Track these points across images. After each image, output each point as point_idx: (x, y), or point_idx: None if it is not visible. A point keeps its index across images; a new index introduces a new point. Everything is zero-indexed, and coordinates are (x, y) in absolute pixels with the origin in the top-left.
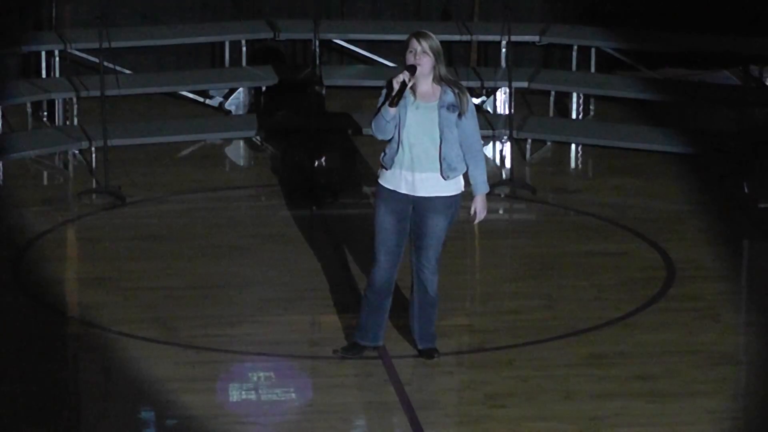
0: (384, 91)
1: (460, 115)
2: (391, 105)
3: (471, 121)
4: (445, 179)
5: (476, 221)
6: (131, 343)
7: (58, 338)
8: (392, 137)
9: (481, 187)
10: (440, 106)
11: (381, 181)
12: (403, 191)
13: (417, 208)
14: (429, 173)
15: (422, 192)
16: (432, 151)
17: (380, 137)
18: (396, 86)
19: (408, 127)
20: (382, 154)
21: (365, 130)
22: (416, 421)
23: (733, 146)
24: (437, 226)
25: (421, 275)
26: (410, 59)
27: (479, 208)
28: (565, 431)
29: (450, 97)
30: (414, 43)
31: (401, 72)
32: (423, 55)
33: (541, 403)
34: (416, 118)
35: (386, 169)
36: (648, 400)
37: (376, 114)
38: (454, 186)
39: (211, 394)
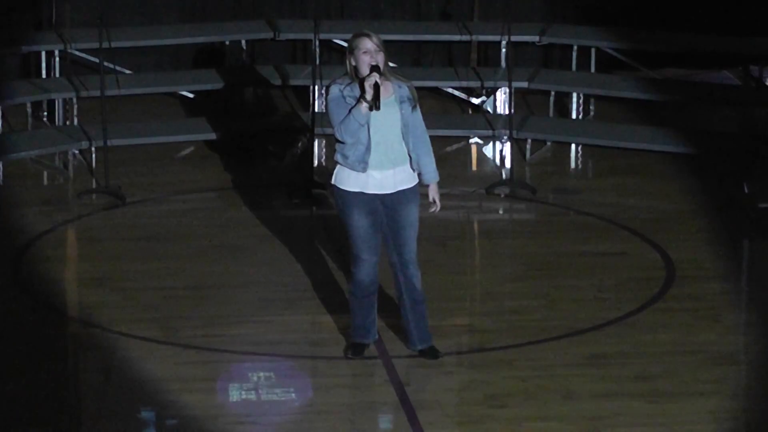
0: (334, 95)
1: (413, 108)
2: (375, 108)
3: (419, 111)
4: (413, 171)
5: (437, 209)
6: (131, 343)
7: (58, 338)
8: (357, 139)
9: (434, 176)
10: (399, 101)
11: (344, 186)
12: (371, 191)
13: (388, 204)
14: (397, 168)
15: (391, 188)
16: (397, 146)
17: (349, 141)
18: (369, 89)
19: (374, 126)
20: (343, 158)
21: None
22: (416, 421)
23: (733, 146)
24: (412, 215)
25: (406, 272)
26: (366, 59)
27: (437, 195)
28: (565, 431)
29: (405, 91)
30: (366, 42)
31: (367, 75)
32: (378, 54)
33: (541, 403)
34: (379, 116)
35: (359, 172)
36: (648, 400)
37: (345, 118)
38: (414, 175)
39: (211, 394)
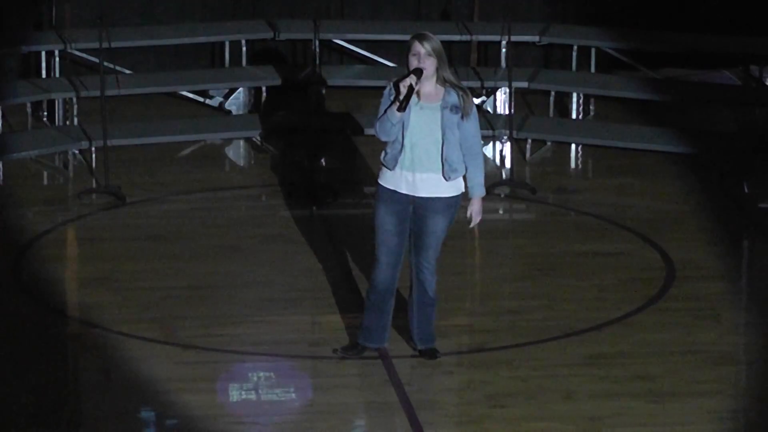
0: (386, 92)
1: (462, 117)
2: (399, 110)
3: (473, 123)
4: (446, 180)
5: (473, 224)
6: (131, 343)
7: (58, 338)
8: (395, 138)
9: (479, 191)
10: (443, 107)
11: (381, 182)
12: (404, 191)
13: (417, 208)
14: (430, 174)
15: (423, 192)
16: (433, 152)
17: (384, 139)
18: (403, 90)
19: (411, 128)
20: (383, 155)
21: (367, 130)
22: (416, 421)
23: (733, 146)
24: (437, 226)
25: (420, 275)
26: (414, 62)
27: (476, 211)
28: (565, 431)
29: (453, 98)
30: (417, 45)
31: (405, 75)
32: (427, 58)
33: (541, 403)
34: (420, 119)
35: (389, 170)
36: (648, 400)
37: (381, 116)
38: (455, 187)
39: (211, 394)
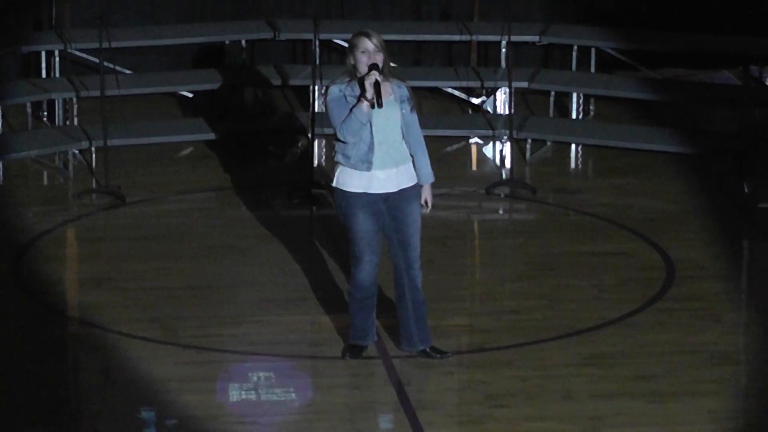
0: (334, 96)
1: (411, 109)
2: (378, 106)
3: (415, 113)
4: (414, 170)
5: (428, 210)
6: (131, 343)
7: (58, 338)
8: (360, 137)
9: (429, 177)
10: (399, 101)
11: (347, 188)
12: (375, 191)
13: (392, 202)
14: (400, 166)
15: (395, 187)
16: (398, 145)
17: (352, 140)
18: (369, 88)
19: (376, 125)
20: (344, 158)
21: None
22: (416, 421)
23: (733, 146)
24: (415, 213)
25: (410, 272)
26: (364, 59)
27: (429, 196)
28: (565, 431)
29: (404, 91)
30: (366, 42)
31: (366, 73)
32: (376, 54)
33: (541, 403)
34: (381, 115)
35: (364, 171)
36: (648, 400)
37: (347, 118)
38: (415, 175)
39: (211, 394)
